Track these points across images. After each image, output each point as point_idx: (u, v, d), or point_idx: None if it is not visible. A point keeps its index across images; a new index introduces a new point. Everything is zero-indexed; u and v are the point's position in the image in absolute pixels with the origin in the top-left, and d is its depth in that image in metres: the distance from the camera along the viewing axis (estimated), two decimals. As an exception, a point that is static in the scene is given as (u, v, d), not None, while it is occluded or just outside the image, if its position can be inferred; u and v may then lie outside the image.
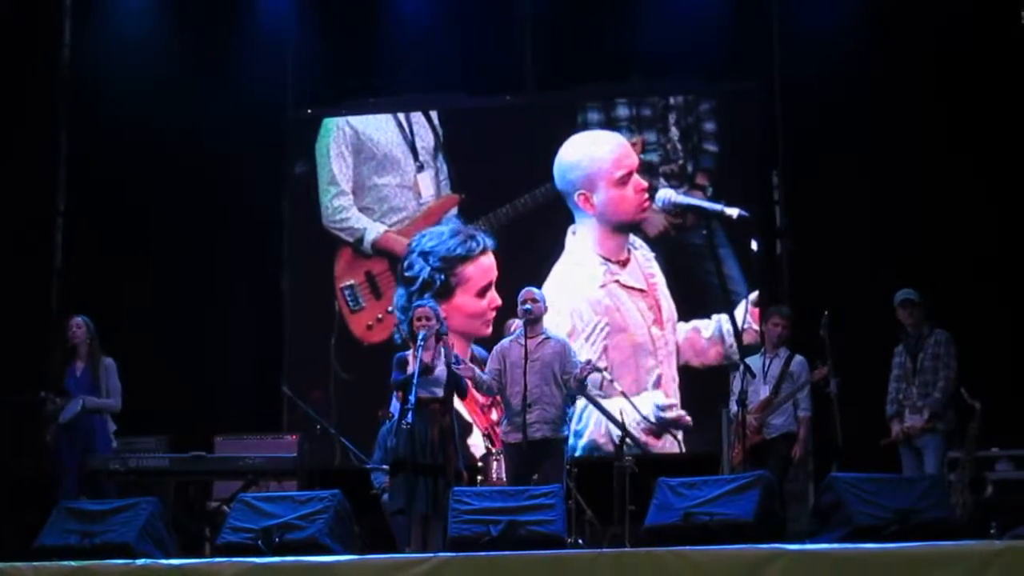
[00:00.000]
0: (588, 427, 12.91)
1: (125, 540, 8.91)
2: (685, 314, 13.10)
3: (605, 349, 13.00)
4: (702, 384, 12.84)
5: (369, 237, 13.72)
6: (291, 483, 11.36)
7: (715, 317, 12.97)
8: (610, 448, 12.24)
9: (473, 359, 12.66)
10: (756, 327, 12.25)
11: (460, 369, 9.92)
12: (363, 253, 13.71)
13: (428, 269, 13.42)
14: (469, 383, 10.09)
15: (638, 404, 12.80)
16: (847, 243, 12.51)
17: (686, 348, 13.04)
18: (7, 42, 13.40)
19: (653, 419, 12.86)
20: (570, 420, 10.42)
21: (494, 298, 13.22)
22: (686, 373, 13.02)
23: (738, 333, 12.53)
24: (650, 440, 12.85)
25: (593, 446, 12.89)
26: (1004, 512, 10.15)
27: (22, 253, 13.39)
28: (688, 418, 12.87)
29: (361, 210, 13.76)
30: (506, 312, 12.21)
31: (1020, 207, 12.24)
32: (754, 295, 12.78)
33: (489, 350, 10.89)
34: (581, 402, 12.36)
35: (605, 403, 12.44)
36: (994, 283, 12.08)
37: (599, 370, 12.61)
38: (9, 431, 11.98)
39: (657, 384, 12.96)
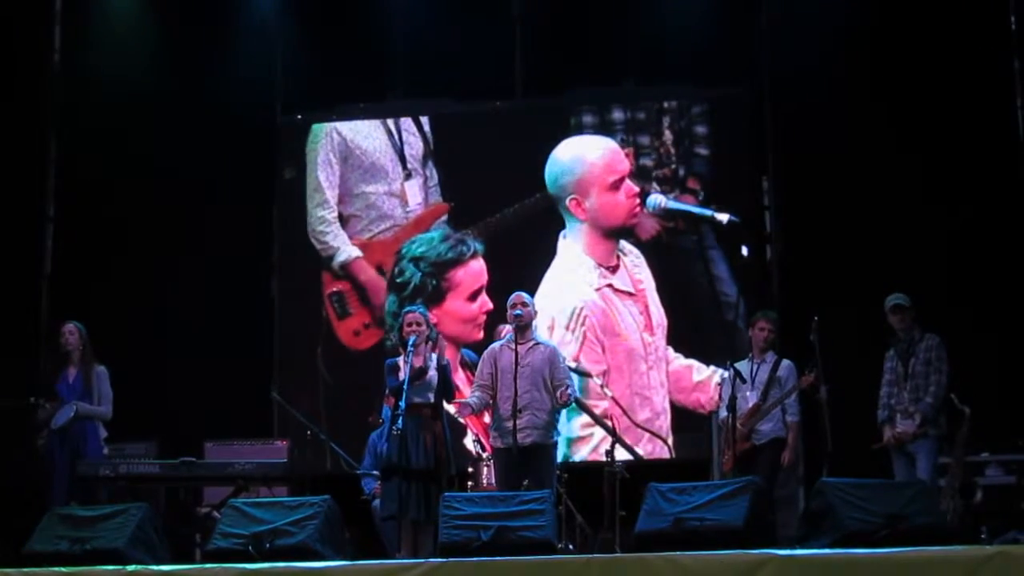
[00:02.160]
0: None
1: (115, 546, 8.91)
2: (686, 348, 13.05)
3: (584, 338, 12.97)
4: (677, 418, 12.90)
5: (339, 259, 13.69)
6: (281, 489, 11.38)
7: (712, 368, 12.83)
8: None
9: (463, 363, 12.67)
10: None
11: (458, 412, 9.99)
12: (332, 271, 13.72)
13: (420, 274, 13.42)
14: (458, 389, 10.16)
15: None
16: (837, 248, 12.52)
17: (672, 379, 12.99)
18: (-4, 47, 13.44)
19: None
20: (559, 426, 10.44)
21: (485, 302, 13.21)
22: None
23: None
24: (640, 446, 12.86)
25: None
26: (994, 517, 10.18)
27: (12, 259, 13.37)
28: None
29: (349, 217, 13.74)
30: (497, 317, 12.19)
31: (1012, 214, 12.25)
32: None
33: (479, 354, 10.87)
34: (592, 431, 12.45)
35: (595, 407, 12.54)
36: (984, 288, 12.09)
37: (589, 375, 12.66)
38: (0, 436, 11.97)
39: (649, 394, 12.97)
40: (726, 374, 10.91)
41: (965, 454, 10.69)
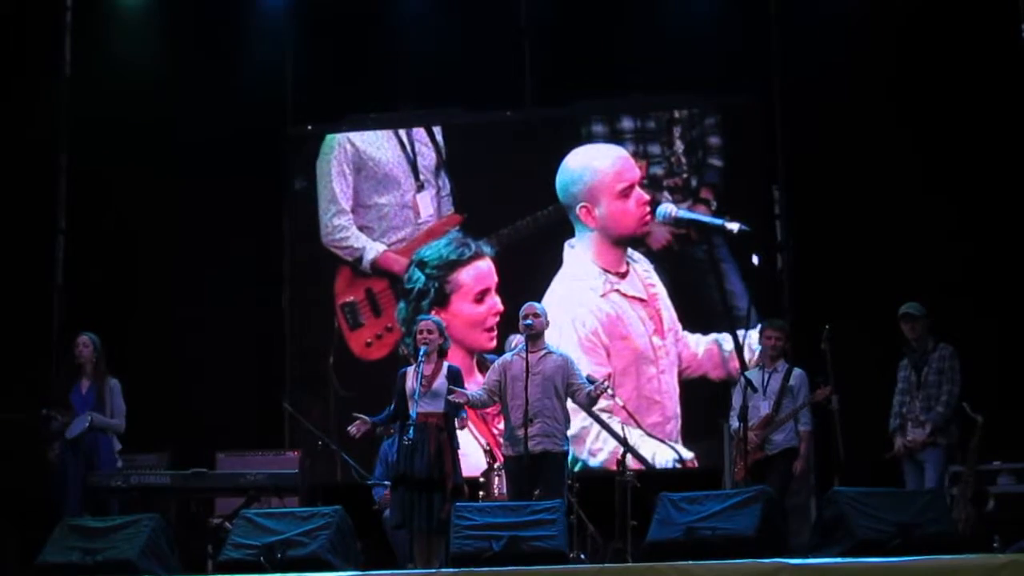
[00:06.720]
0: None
1: (127, 557, 8.94)
2: (698, 327, 13.08)
3: (587, 344, 12.98)
4: (725, 396, 12.76)
5: (368, 256, 13.69)
6: (293, 499, 11.38)
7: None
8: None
9: (481, 363, 12.68)
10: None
11: (453, 397, 9.90)
12: (362, 272, 13.70)
13: (423, 278, 13.42)
14: (466, 407, 10.13)
15: (658, 451, 12.83)
16: (849, 257, 12.50)
17: (705, 360, 12.98)
18: (7, 58, 13.43)
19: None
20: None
21: (494, 304, 13.19)
22: (703, 385, 12.96)
23: (739, 348, 12.57)
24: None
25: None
26: (1006, 526, 10.14)
27: (23, 269, 13.38)
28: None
29: (361, 228, 13.74)
30: (508, 325, 12.19)
31: (1021, 221, 12.24)
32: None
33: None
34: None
35: (605, 415, 12.53)
36: (997, 297, 12.06)
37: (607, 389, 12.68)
38: (12, 448, 11.98)
39: (659, 398, 12.96)
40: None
41: (977, 463, 10.68)
